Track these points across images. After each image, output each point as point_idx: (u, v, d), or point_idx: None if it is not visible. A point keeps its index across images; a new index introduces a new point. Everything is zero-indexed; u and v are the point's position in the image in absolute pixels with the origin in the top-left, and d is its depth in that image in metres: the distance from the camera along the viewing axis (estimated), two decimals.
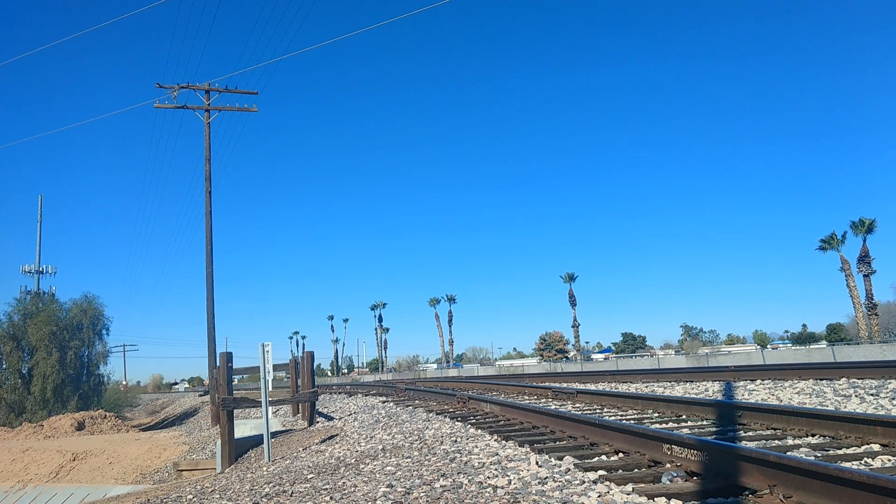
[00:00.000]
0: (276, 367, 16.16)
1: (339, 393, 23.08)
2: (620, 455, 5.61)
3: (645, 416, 8.34)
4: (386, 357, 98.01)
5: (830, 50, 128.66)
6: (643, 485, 4.49)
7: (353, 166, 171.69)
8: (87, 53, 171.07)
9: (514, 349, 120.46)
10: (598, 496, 4.20)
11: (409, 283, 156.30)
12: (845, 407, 7.77)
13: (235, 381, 19.63)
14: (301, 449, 10.65)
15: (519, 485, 4.77)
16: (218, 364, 14.31)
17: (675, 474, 4.64)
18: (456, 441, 7.29)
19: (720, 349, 78.08)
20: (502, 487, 4.77)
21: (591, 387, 13.78)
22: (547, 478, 4.86)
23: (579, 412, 8.85)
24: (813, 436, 5.93)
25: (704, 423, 7.28)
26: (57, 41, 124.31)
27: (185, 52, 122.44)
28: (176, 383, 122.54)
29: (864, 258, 46.63)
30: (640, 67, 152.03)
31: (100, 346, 40.43)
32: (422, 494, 4.86)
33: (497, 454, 6.10)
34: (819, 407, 7.88)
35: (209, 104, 26.40)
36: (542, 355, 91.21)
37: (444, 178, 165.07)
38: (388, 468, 6.34)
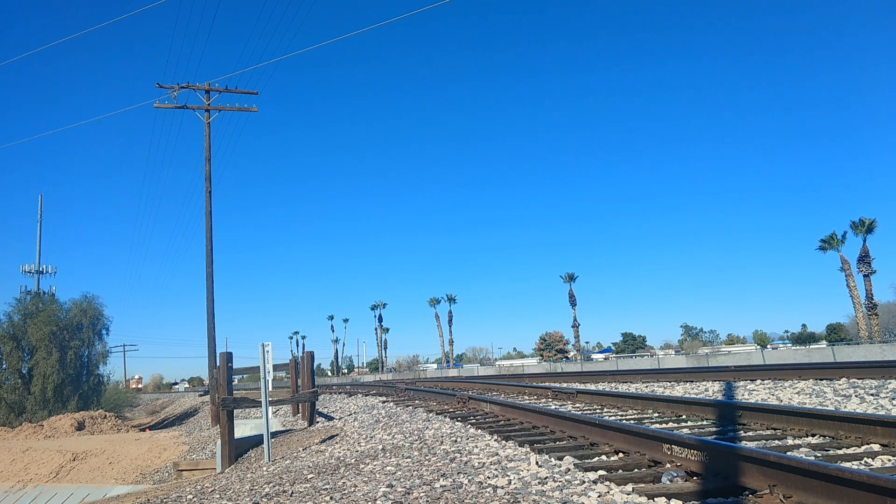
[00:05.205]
0: (276, 367, 16.15)
1: (339, 393, 23.08)
2: (620, 455, 5.61)
3: (645, 416, 8.34)
4: (386, 357, 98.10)
5: (830, 50, 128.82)
6: (643, 485, 4.49)
7: (353, 166, 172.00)
8: (87, 53, 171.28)
9: (514, 349, 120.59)
10: (598, 496, 4.20)
11: (409, 283, 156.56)
12: (845, 407, 7.77)
13: (235, 381, 19.63)
14: (301, 449, 10.64)
15: (519, 485, 4.77)
16: (218, 364, 14.31)
17: (675, 474, 4.64)
18: (456, 441, 7.29)
19: (720, 349, 78.06)
20: (502, 487, 4.77)
21: (591, 387, 13.77)
22: (547, 478, 4.85)
23: (579, 412, 8.85)
24: (813, 436, 5.93)
25: (704, 423, 7.28)
26: (57, 41, 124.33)
27: (185, 52, 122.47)
28: (176, 383, 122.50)
29: (864, 258, 46.60)
30: (640, 67, 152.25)
31: (100, 346, 40.47)
32: (422, 494, 4.86)
33: (497, 454, 6.09)
34: (819, 407, 7.88)
35: (209, 104, 26.39)
36: (542, 355, 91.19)
37: (445, 178, 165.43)
38: (388, 468, 6.34)
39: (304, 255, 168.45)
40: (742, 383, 11.40)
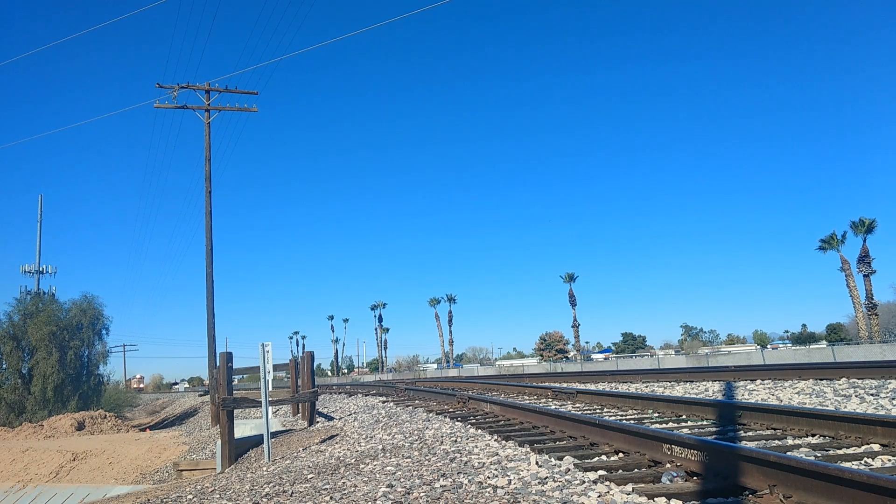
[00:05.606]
0: (276, 367, 16.16)
1: (339, 393, 23.08)
2: (620, 455, 5.61)
3: (645, 416, 8.34)
4: (386, 357, 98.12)
5: (830, 50, 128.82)
6: (643, 485, 4.49)
7: (353, 166, 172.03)
8: (87, 53, 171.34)
9: (514, 349, 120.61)
10: (598, 496, 4.20)
11: (409, 283, 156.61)
12: (845, 407, 7.77)
13: (235, 381, 19.62)
14: (301, 449, 10.65)
15: (519, 485, 4.77)
16: (218, 364, 14.31)
17: (675, 474, 4.64)
18: (456, 441, 7.29)
19: (720, 349, 78.05)
20: (502, 487, 4.77)
21: (591, 387, 13.77)
22: (547, 478, 4.85)
23: (579, 412, 8.85)
24: (813, 436, 5.93)
25: (704, 423, 7.28)
26: (57, 41, 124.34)
27: (185, 52, 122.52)
28: (176, 383, 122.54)
29: (864, 258, 46.61)
30: (639, 68, 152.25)
31: (100, 346, 40.50)
32: (422, 494, 4.86)
33: (497, 454, 6.09)
34: (819, 407, 7.88)
35: (209, 104, 26.39)
36: (542, 355, 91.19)
37: (445, 178, 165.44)
38: (388, 468, 6.34)
39: (304, 255, 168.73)
40: (742, 383, 11.39)
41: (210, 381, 27.64)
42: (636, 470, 5.04)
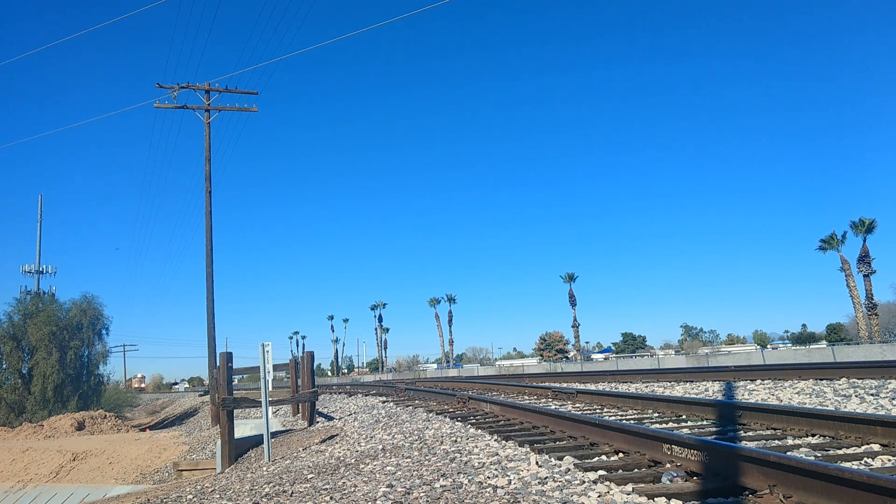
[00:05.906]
0: (276, 367, 16.16)
1: (339, 393, 23.08)
2: (620, 455, 5.61)
3: (645, 416, 8.34)
4: (386, 357, 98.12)
5: (830, 50, 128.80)
6: (643, 485, 4.49)
7: (353, 166, 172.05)
8: (87, 53, 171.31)
9: (514, 349, 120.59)
10: (598, 496, 4.20)
11: (409, 283, 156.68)
12: (845, 407, 7.77)
13: (235, 381, 19.63)
14: (301, 449, 10.65)
15: (519, 485, 4.77)
16: (218, 364, 14.31)
17: (675, 474, 4.64)
18: (456, 441, 7.29)
19: (720, 349, 78.04)
20: (502, 487, 4.77)
21: (591, 387, 13.77)
22: (547, 478, 4.86)
23: (579, 412, 8.85)
24: (813, 436, 5.93)
25: (704, 423, 7.28)
26: (57, 41, 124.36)
27: (185, 52, 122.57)
28: (176, 383, 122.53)
29: (864, 258, 46.61)
30: (639, 67, 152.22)
31: (100, 346, 40.49)
32: (422, 494, 4.86)
33: (497, 454, 6.09)
34: (819, 407, 7.88)
35: (209, 104, 26.39)
36: (542, 355, 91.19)
37: (445, 178, 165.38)
38: (388, 468, 6.34)
39: (304, 255, 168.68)
40: (742, 383, 11.39)
41: (210, 381, 27.64)
42: (636, 470, 5.04)
